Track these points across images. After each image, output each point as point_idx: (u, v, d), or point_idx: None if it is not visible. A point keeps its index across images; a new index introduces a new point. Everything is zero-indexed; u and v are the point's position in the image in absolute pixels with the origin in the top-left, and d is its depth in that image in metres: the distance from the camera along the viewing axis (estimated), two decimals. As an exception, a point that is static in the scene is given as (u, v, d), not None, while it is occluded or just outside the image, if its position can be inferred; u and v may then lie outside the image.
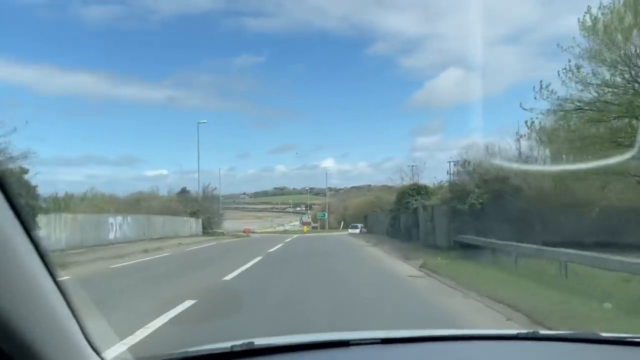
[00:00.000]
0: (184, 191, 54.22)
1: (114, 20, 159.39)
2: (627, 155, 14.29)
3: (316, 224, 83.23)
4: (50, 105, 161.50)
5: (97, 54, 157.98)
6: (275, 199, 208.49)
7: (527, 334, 2.04)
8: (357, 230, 52.87)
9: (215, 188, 60.51)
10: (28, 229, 1.05)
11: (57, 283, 1.15)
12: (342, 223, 75.24)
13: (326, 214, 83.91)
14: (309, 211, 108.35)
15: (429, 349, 1.98)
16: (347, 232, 54.22)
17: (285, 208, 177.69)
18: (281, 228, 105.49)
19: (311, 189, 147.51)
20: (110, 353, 1.67)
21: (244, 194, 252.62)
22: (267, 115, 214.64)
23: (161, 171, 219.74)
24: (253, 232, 79.28)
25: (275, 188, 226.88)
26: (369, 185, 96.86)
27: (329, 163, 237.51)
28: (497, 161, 22.19)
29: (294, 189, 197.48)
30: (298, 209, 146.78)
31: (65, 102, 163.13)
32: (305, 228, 75.28)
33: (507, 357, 1.94)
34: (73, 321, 1.20)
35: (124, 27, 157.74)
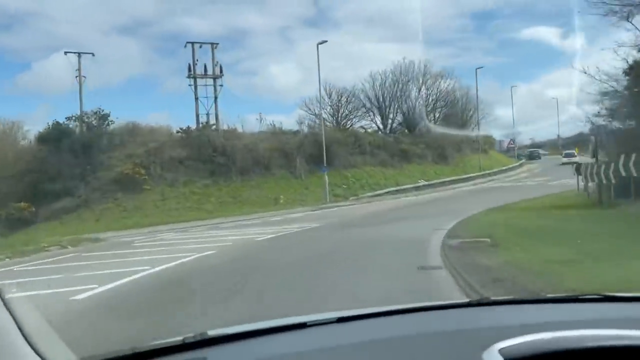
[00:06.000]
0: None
1: None
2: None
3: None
4: None
5: None
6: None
7: (478, 300, 2.13)
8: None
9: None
10: None
11: (3, 300, 1.33)
12: None
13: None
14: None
15: (382, 322, 1.95)
16: None
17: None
18: None
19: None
20: (53, 354, 1.49)
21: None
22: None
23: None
24: None
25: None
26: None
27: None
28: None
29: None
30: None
31: None
32: None
33: (458, 324, 1.87)
34: (17, 331, 1.31)
35: None
